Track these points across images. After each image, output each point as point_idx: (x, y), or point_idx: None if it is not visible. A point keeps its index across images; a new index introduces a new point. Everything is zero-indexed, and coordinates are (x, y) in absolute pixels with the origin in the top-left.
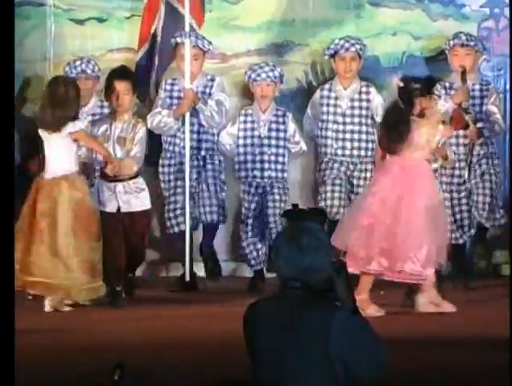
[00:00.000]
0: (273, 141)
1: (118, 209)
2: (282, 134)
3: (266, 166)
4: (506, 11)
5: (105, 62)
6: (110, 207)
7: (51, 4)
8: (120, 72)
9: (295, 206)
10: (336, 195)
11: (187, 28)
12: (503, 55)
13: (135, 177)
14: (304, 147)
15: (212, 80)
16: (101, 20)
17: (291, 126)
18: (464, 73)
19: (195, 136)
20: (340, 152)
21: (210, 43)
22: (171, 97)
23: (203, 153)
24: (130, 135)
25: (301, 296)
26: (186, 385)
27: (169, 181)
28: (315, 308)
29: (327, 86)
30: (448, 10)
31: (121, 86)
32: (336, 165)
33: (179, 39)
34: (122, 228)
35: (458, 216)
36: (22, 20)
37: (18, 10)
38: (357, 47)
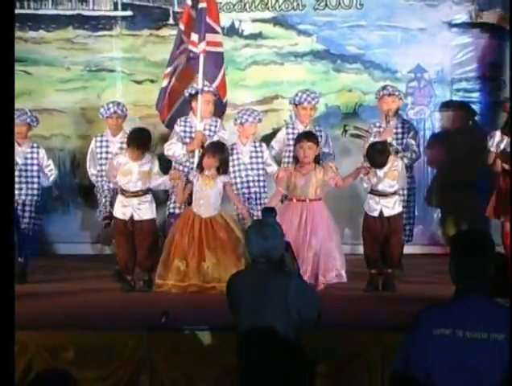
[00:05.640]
0: (254, 166)
1: (131, 217)
2: (260, 160)
3: (251, 184)
4: (426, 75)
5: (156, 111)
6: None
7: (119, 70)
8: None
9: (271, 208)
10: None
11: (200, 85)
12: (423, 105)
13: (146, 193)
14: (276, 168)
15: (216, 121)
16: (152, 81)
17: (266, 153)
18: (386, 117)
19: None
20: None
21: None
22: (184, 131)
23: None
24: None
25: (266, 268)
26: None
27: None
28: (277, 276)
29: (290, 126)
30: (386, 75)
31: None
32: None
33: (195, 91)
34: (132, 233)
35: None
36: (99, 81)
37: (96, 74)
38: (316, 100)
